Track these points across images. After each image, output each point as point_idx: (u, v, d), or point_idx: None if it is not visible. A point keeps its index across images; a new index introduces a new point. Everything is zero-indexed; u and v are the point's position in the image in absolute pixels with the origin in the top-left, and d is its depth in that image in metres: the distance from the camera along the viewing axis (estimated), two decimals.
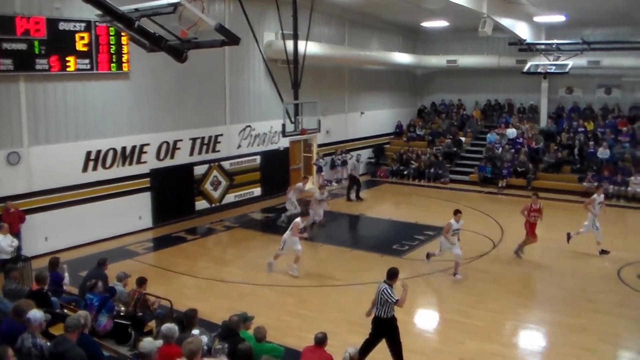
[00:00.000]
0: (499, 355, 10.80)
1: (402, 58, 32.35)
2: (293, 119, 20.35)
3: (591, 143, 27.72)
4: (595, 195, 18.07)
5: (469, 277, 15.82)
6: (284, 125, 20.36)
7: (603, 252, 17.48)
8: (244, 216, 22.55)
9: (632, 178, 24.82)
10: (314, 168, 27.61)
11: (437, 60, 33.33)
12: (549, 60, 28.39)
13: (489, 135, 30.66)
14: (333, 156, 28.39)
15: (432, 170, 29.33)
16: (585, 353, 11.53)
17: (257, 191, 24.67)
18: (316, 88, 25.27)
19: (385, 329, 10.31)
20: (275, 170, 25.38)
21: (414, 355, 11.27)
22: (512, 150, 28.92)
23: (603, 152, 26.83)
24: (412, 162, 30.11)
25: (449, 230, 15.42)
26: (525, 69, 28.77)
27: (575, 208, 23.37)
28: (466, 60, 32.15)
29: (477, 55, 32.00)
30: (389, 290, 10.11)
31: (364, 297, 14.18)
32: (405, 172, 29.88)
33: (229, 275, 16.33)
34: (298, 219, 16.39)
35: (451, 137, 31.36)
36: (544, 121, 31.10)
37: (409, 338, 12.30)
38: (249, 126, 24.07)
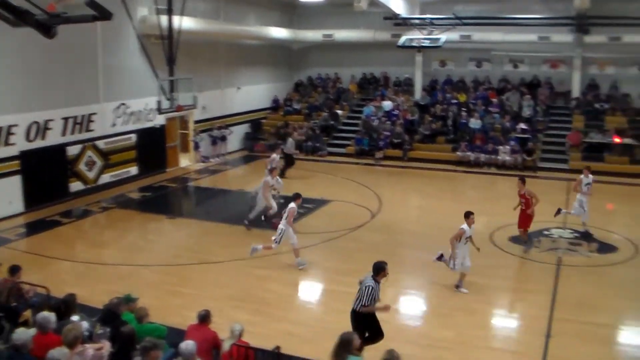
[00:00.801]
0: (382, 321, 11.12)
1: (279, 32, 32.22)
2: (168, 96, 19.95)
3: (464, 114, 28.82)
4: (582, 176, 17.60)
5: (348, 247, 16.15)
6: (159, 103, 19.94)
7: (587, 233, 17.28)
8: (121, 196, 21.90)
9: (502, 147, 26.01)
10: (191, 144, 27.24)
11: (313, 35, 33.36)
12: (423, 35, 29.22)
13: (365, 108, 31.21)
14: (211, 132, 28.05)
15: (309, 143, 29.56)
16: (463, 313, 12.12)
17: (133, 170, 23.97)
18: (192, 64, 24.75)
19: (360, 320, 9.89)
20: (152, 148, 24.79)
21: (297, 326, 11.51)
22: (388, 122, 29.56)
23: (475, 123, 27.96)
24: (290, 136, 30.18)
25: (460, 238, 13.02)
26: (400, 42, 29.47)
27: (450, 176, 24.38)
28: (342, 35, 32.33)
29: (353, 29, 32.20)
30: (370, 289, 9.63)
31: (244, 272, 14.31)
32: (282, 147, 29.81)
33: (107, 257, 15.82)
34: (293, 204, 14.92)
35: (328, 110, 31.66)
36: (418, 93, 31.88)
37: (293, 311, 12.53)
38: (124, 104, 23.23)
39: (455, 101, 30.21)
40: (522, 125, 27.31)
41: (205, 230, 18.26)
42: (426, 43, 29.02)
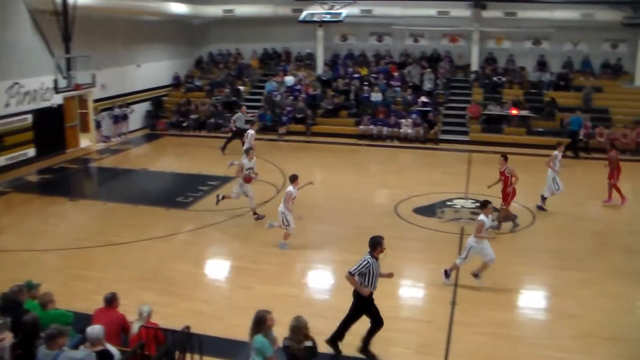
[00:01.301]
0: (290, 296, 10.96)
1: (178, 8, 31.27)
2: (65, 74, 19.07)
3: (366, 88, 28.90)
4: (556, 152, 17.51)
5: (253, 223, 15.91)
6: (56, 81, 19.00)
7: (540, 208, 17.43)
8: (19, 179, 20.81)
9: (404, 120, 26.24)
10: (92, 123, 26.20)
11: (214, 10, 32.53)
12: (324, 9, 29.07)
13: (267, 83, 30.85)
14: (112, 111, 27.06)
15: (212, 120, 29.01)
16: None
17: (31, 152, 22.80)
18: (89, 41, 23.69)
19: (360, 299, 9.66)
20: (50, 129, 23.60)
21: (206, 305, 11.30)
22: (291, 98, 29.33)
23: (377, 97, 28.12)
24: (192, 113, 29.60)
25: (481, 229, 12.24)
26: (301, 17, 29.28)
27: (353, 150, 24.47)
28: (243, 10, 31.74)
29: (253, 4, 31.66)
30: (365, 263, 9.42)
31: (150, 253, 13.88)
32: (185, 124, 29.26)
33: (6, 243, 14.89)
34: (291, 188, 14.20)
35: (230, 86, 31.14)
36: (320, 68, 31.77)
37: (200, 290, 12.24)
38: (17, 83, 21.92)
39: (357, 75, 30.23)
40: (424, 99, 27.68)
41: (108, 212, 17.60)
42: (327, 18, 28.96)
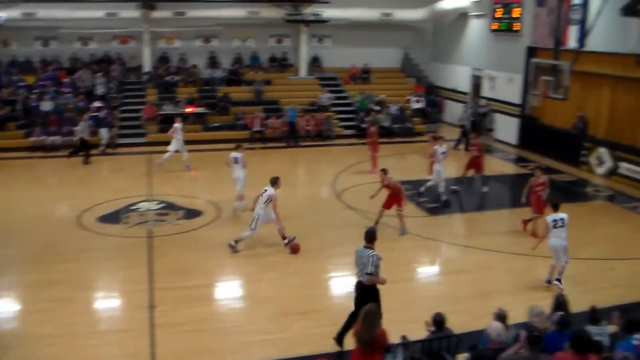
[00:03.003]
0: None
1: None
2: None
3: (34, 96, 27.08)
4: (437, 147, 18.01)
5: None
6: None
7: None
8: None
9: (78, 127, 24.80)
10: None
11: None
12: None
13: None
14: None
15: None
16: (63, 305, 11.42)
17: None
18: None
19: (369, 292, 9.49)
20: None
21: None
22: None
23: (47, 105, 26.50)
24: None
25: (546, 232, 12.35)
26: None
27: (26, 164, 22.92)
28: None
29: None
30: (375, 257, 9.41)
31: None
32: None
33: None
34: (272, 190, 14.00)
35: None
36: None
37: None
38: None
39: (23, 83, 28.13)
40: (97, 103, 26.62)
41: None
42: None
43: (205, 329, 10.69)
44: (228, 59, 31.16)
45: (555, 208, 12.44)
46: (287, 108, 27.17)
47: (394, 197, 15.42)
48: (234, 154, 16.94)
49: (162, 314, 11.07)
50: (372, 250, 9.53)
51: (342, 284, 12.39)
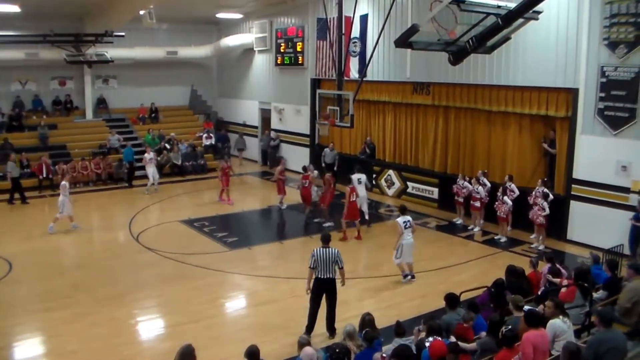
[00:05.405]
0: None
1: None
2: None
3: None
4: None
5: None
6: None
7: None
8: None
9: None
10: None
11: None
12: None
13: None
14: None
15: None
16: None
17: None
18: None
19: (330, 287, 11.24)
20: None
21: None
22: None
23: None
24: None
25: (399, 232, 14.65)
26: None
27: None
28: None
29: None
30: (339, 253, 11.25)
31: None
32: None
33: None
34: None
35: None
36: None
37: None
38: None
39: None
40: None
41: None
42: None
43: None
44: (8, 103, 29.45)
45: (403, 212, 14.78)
46: (122, 149, 27.34)
47: (328, 193, 19.49)
48: None
49: None
50: (334, 248, 11.25)
51: (153, 326, 12.55)
